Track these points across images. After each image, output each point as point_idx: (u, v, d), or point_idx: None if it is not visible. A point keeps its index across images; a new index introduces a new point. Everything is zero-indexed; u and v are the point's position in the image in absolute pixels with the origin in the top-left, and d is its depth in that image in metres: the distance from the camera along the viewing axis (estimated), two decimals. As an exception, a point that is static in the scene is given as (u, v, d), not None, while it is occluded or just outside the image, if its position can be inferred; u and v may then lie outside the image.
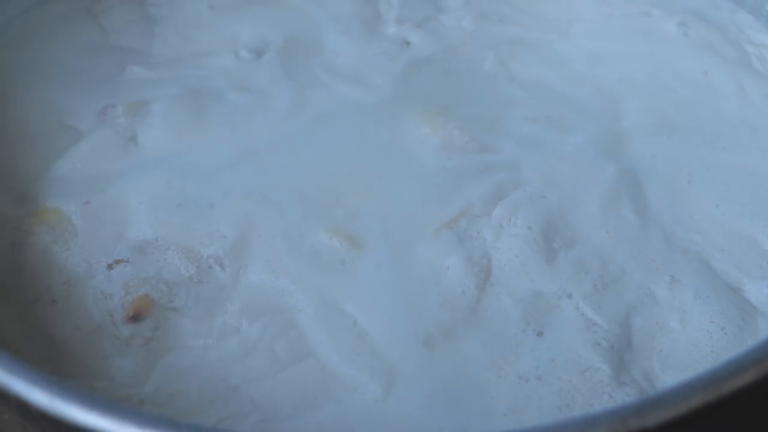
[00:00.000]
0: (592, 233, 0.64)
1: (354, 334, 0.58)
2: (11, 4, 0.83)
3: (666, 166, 0.69)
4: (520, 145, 0.71)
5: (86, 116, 0.73)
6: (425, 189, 0.67)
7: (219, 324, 0.59)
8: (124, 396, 0.56)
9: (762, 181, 0.68)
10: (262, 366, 0.57)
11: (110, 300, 0.61)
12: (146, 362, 0.58)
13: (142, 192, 0.66)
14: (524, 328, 0.59)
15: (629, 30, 0.81)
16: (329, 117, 0.72)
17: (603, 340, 0.58)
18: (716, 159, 0.70)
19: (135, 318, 0.60)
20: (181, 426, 0.43)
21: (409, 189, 0.67)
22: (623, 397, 0.55)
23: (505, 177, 0.68)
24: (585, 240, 0.64)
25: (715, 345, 0.57)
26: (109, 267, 0.62)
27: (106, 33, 0.83)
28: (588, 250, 0.63)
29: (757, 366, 0.40)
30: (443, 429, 0.53)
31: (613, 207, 0.66)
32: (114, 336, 0.59)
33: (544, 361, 0.57)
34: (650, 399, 0.39)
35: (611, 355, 0.57)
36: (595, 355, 0.57)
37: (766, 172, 0.69)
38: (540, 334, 0.58)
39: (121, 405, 0.44)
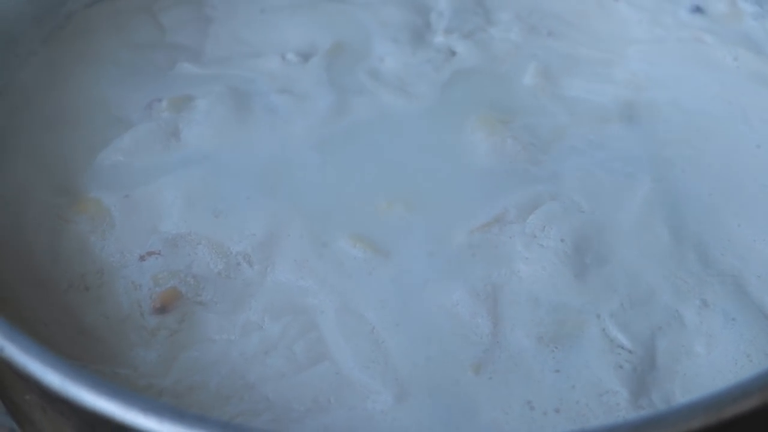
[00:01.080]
0: (624, 250, 0.63)
1: (371, 341, 0.58)
2: (73, -1, 0.86)
3: (708, 189, 0.68)
4: (563, 157, 0.71)
5: (134, 110, 0.74)
6: (460, 198, 0.67)
7: (242, 320, 0.60)
8: (145, 385, 0.57)
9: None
10: (279, 365, 0.57)
11: (139, 291, 0.62)
12: (169, 353, 0.58)
13: (179, 187, 0.67)
14: (548, 347, 0.58)
15: (681, 55, 0.80)
16: (369, 123, 0.73)
17: (626, 362, 0.57)
18: (759, 189, 0.68)
19: (162, 309, 0.60)
20: (185, 416, 0.43)
21: (442, 198, 0.67)
22: (637, 420, 0.54)
23: (544, 188, 0.67)
24: (617, 257, 0.63)
25: (740, 372, 0.56)
26: (141, 258, 0.63)
27: (163, 31, 0.84)
28: (619, 268, 0.62)
29: (761, 392, 0.39)
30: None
31: (647, 225, 0.65)
32: (141, 326, 0.60)
33: (565, 389, 0.56)
34: (648, 418, 0.39)
35: (632, 378, 0.56)
36: (615, 378, 0.56)
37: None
38: (562, 356, 0.57)
39: (129, 391, 0.45)
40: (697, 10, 0.84)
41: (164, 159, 0.70)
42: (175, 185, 0.67)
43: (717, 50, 0.80)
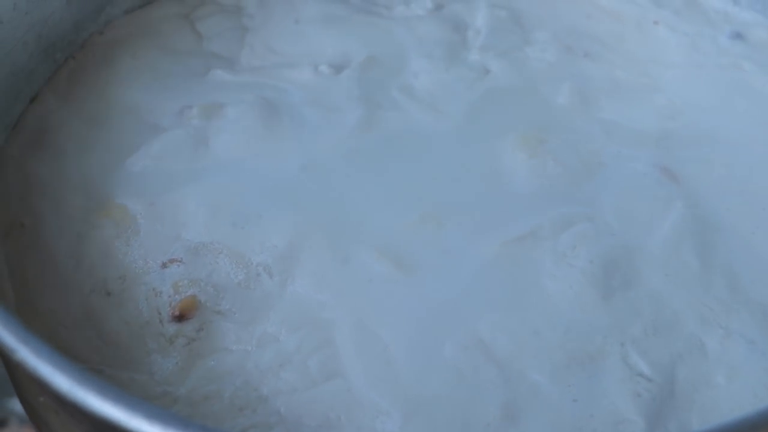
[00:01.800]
0: (652, 275, 0.62)
1: (383, 359, 0.57)
2: (113, 5, 0.86)
3: (744, 220, 0.67)
4: (597, 179, 0.70)
5: (165, 116, 0.74)
6: (490, 214, 0.66)
7: (260, 332, 0.59)
8: (160, 393, 0.57)
9: None
10: (293, 379, 0.57)
11: (160, 298, 0.62)
12: (186, 362, 0.58)
13: (204, 195, 0.67)
14: (568, 372, 0.57)
15: (720, 82, 0.79)
16: (399, 137, 0.72)
17: (645, 391, 0.56)
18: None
19: (180, 317, 0.60)
20: (189, 425, 0.43)
21: (469, 213, 0.66)
22: (651, 451, 0.53)
23: (578, 209, 0.67)
24: (644, 281, 0.62)
25: (759, 404, 0.55)
26: (163, 265, 0.63)
27: (201, 39, 0.84)
28: (645, 292, 0.61)
29: (769, 428, 0.38)
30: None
31: (677, 251, 0.64)
32: (159, 333, 0.60)
33: (583, 418, 0.55)
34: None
35: (650, 407, 0.55)
36: (633, 407, 0.55)
37: None
38: (581, 383, 0.56)
39: (136, 398, 0.45)
40: (738, 36, 0.83)
41: (191, 166, 0.70)
42: (201, 194, 0.67)
43: (757, 78, 0.78)
